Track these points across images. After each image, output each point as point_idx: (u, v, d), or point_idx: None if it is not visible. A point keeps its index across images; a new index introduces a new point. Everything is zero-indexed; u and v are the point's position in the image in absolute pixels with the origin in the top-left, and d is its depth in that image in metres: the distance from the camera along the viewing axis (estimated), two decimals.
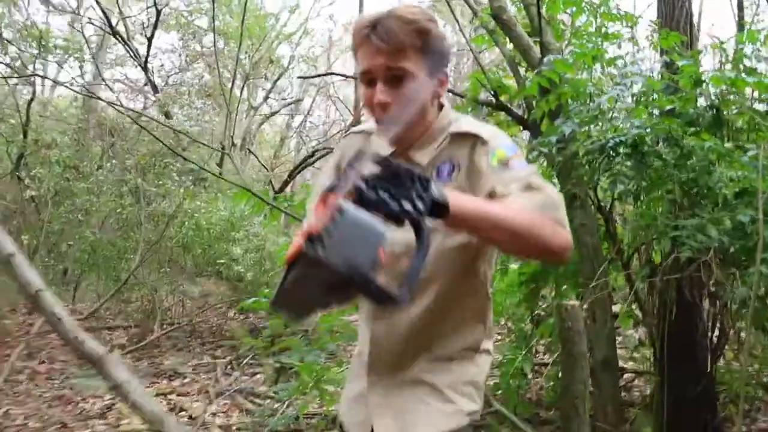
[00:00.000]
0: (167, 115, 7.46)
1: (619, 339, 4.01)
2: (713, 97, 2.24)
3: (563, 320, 1.34)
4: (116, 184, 6.28)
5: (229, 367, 5.09)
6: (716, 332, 2.97)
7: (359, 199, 0.86)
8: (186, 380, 4.67)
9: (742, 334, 3.10)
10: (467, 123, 1.20)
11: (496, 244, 1.13)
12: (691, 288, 2.36)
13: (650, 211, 2.29)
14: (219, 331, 6.62)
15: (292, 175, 9.69)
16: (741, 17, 4.84)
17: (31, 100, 9.67)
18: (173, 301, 6.82)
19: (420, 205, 0.88)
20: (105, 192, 6.23)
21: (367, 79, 1.12)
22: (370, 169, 0.88)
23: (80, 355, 0.85)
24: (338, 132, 13.58)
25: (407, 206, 0.87)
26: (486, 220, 0.98)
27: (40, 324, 5.88)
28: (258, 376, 4.80)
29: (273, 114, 12.62)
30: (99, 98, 6.25)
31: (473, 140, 1.15)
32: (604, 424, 2.86)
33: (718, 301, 2.45)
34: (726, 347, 3.10)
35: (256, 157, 8.89)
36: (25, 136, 7.93)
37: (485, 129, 1.18)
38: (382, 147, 1.11)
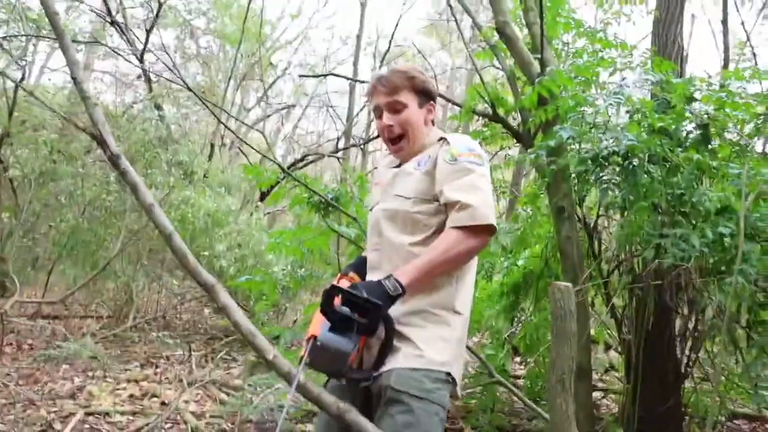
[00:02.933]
0: (158, 108, 7.41)
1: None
2: (703, 114, 2.37)
3: (556, 299, 1.40)
4: (103, 170, 6.19)
5: (203, 359, 5.04)
6: (686, 352, 3.08)
7: (333, 324, 1.30)
8: (159, 369, 4.61)
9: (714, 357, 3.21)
10: (448, 134, 1.61)
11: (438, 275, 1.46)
12: (670, 295, 2.45)
13: (636, 221, 2.39)
14: (193, 326, 6.55)
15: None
16: (726, 57, 5.08)
17: (22, 79, 9.47)
18: (150, 294, 6.73)
19: (382, 303, 1.30)
20: (91, 176, 6.13)
21: (378, 113, 1.61)
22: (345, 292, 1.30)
23: (198, 281, 1.27)
24: (328, 141, 13.64)
25: (371, 317, 1.30)
26: (426, 274, 1.40)
27: (10, 304, 5.74)
28: (233, 370, 4.76)
29: (266, 117, 12.63)
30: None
31: (443, 142, 1.58)
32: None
33: (695, 308, 2.54)
34: (694, 368, 3.21)
35: (246, 157, 8.85)
36: (10, 116, 7.72)
37: (455, 136, 1.59)
38: (393, 163, 1.67)
